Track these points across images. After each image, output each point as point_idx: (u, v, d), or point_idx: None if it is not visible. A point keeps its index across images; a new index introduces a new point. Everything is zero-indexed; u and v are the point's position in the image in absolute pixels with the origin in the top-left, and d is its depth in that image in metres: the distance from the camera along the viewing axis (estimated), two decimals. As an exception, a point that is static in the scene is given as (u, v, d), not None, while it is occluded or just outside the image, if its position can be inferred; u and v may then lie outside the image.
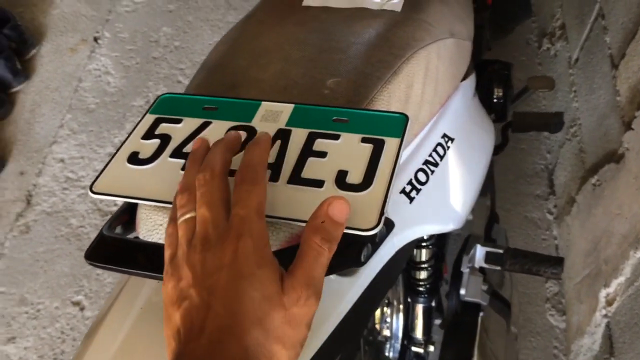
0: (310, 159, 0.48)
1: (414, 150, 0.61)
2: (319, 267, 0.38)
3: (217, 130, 0.52)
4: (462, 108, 0.72)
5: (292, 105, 0.53)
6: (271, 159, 0.48)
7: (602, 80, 1.22)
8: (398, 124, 0.50)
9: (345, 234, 0.42)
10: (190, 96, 0.56)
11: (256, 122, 0.52)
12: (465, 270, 0.88)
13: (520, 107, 1.10)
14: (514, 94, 1.09)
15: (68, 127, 1.68)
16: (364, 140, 0.49)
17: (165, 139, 0.51)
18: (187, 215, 0.41)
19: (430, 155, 0.63)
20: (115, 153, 0.52)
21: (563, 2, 1.57)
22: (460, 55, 0.70)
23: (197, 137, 0.49)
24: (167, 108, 0.55)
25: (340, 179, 0.46)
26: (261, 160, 0.43)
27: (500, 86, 1.04)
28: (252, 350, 0.35)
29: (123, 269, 0.45)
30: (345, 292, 0.50)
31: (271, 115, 0.52)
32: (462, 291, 0.87)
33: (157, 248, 0.46)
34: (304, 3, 0.68)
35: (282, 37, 0.64)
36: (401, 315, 0.97)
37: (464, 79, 0.74)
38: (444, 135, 0.65)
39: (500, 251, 0.86)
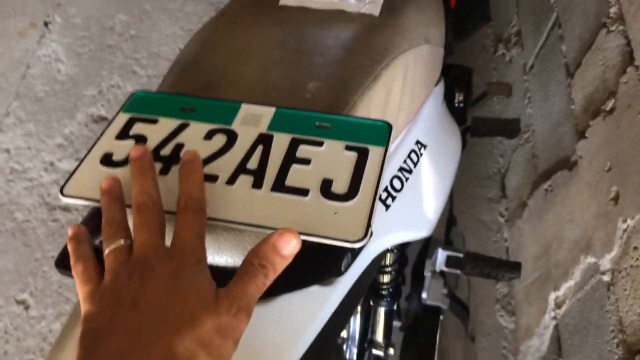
0: (294, 166, 0.47)
1: (390, 157, 0.61)
2: (253, 287, 0.39)
3: (195, 133, 0.50)
4: (433, 114, 0.72)
5: (274, 109, 0.52)
6: (253, 165, 0.47)
7: (557, 88, 1.26)
8: (381, 132, 0.50)
9: (325, 244, 0.42)
10: (166, 95, 0.55)
11: (236, 126, 0.51)
12: (426, 274, 0.89)
13: (476, 111, 1.13)
14: (473, 99, 1.11)
15: (14, 115, 1.60)
16: (348, 148, 0.48)
17: (141, 140, 0.50)
18: (116, 245, 0.41)
19: (405, 161, 0.63)
20: (87, 153, 0.49)
21: (520, 9, 1.61)
22: (434, 61, 0.71)
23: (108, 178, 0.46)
24: (142, 107, 0.53)
25: (325, 188, 0.45)
26: (200, 188, 0.44)
27: (462, 91, 1.05)
28: (177, 351, 0.35)
29: None
30: (325, 300, 0.49)
31: (252, 119, 0.51)
32: (424, 295, 0.88)
33: None
34: (281, 2, 0.67)
35: (258, 36, 0.62)
36: (359, 317, 0.98)
37: (436, 84, 0.75)
38: (417, 142, 0.66)
39: (461, 255, 0.88)
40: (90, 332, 0.37)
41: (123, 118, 0.52)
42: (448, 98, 1.03)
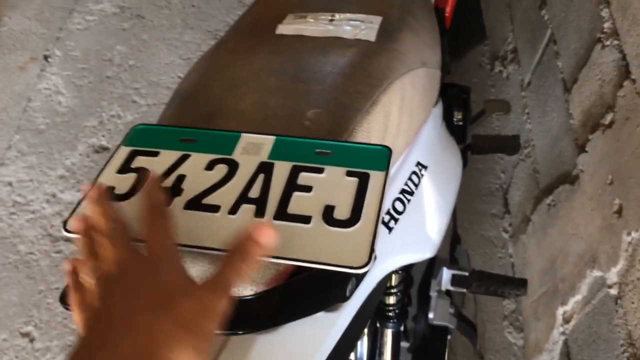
0: (296, 194, 0.47)
1: (391, 179, 0.62)
2: (231, 271, 0.40)
3: (196, 163, 0.51)
4: (433, 135, 0.73)
5: (274, 138, 0.52)
6: (255, 193, 0.48)
7: (555, 104, 1.26)
8: (381, 157, 0.50)
9: (329, 270, 0.42)
10: (167, 127, 0.55)
11: (237, 155, 0.51)
12: (432, 293, 0.88)
13: (476, 128, 1.13)
14: (472, 117, 1.11)
15: (16, 148, 1.61)
16: (349, 174, 0.49)
17: (142, 172, 0.50)
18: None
19: (406, 184, 0.63)
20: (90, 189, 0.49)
21: (515, 26, 1.62)
22: (431, 83, 0.71)
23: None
24: (143, 140, 0.53)
25: (328, 214, 0.45)
26: (160, 194, 0.44)
27: (460, 110, 1.06)
28: (156, 330, 0.36)
29: None
30: (332, 326, 0.49)
31: (252, 148, 0.51)
32: (431, 315, 0.87)
33: None
34: (278, 31, 0.68)
35: (257, 65, 0.63)
36: (366, 340, 0.97)
37: (434, 105, 0.75)
38: (418, 163, 0.66)
39: (466, 274, 0.88)
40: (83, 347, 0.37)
41: (124, 151, 0.52)
42: (447, 117, 1.03)
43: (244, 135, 0.53)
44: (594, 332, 1.00)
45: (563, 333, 1.12)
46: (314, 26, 0.68)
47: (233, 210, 0.47)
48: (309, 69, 0.61)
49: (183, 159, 0.51)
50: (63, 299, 0.45)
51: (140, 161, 0.51)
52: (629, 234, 0.89)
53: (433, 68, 0.72)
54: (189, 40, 1.86)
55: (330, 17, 0.69)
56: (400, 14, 0.70)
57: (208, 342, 0.38)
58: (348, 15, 0.69)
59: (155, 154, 0.52)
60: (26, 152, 1.61)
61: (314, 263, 0.43)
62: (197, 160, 0.51)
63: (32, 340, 1.32)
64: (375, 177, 0.48)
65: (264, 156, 0.51)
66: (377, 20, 0.68)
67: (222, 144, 0.52)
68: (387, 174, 0.49)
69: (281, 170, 0.49)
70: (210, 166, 0.50)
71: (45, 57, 1.80)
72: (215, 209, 0.47)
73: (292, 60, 0.63)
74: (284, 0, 0.75)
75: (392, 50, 0.64)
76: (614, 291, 0.93)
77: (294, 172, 0.49)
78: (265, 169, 0.49)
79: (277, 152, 0.51)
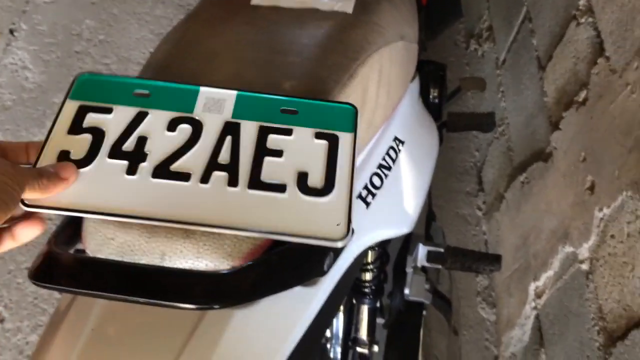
0: (267, 159, 0.46)
1: (368, 154, 0.61)
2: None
3: (156, 122, 0.48)
4: (410, 110, 0.72)
5: (235, 92, 0.50)
6: (224, 158, 0.46)
7: (530, 82, 1.27)
8: (348, 116, 0.49)
9: (307, 245, 0.42)
10: (116, 77, 0.51)
11: (198, 113, 0.48)
12: (408, 270, 0.89)
13: (451, 106, 1.13)
14: (448, 94, 1.11)
15: (-19, 125, 1.57)
16: (317, 135, 0.48)
17: (98, 133, 0.47)
18: None
19: (384, 158, 0.63)
20: (41, 152, 0.46)
21: (490, 4, 1.62)
22: (409, 58, 0.70)
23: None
24: (91, 93, 0.49)
25: (302, 182, 0.44)
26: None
27: (436, 87, 1.06)
28: None
29: (74, 289, 0.42)
30: (309, 301, 0.49)
31: (214, 104, 0.49)
32: (406, 291, 0.88)
33: (109, 265, 0.43)
34: (253, 2, 0.66)
35: (231, 37, 0.61)
36: (342, 316, 0.97)
37: (411, 81, 0.75)
38: (395, 138, 0.66)
39: (441, 250, 0.88)
40: None
41: (72, 107, 0.48)
42: (423, 94, 1.03)
43: (202, 89, 0.50)
44: (565, 307, 1.01)
45: (535, 308, 1.14)
46: (290, -3, 0.66)
47: (204, 179, 0.45)
48: (285, 40, 0.60)
49: (140, 118, 0.48)
50: (33, 275, 0.43)
51: (92, 120, 0.47)
52: (600, 209, 0.91)
53: (411, 42, 0.72)
54: (161, 14, 1.81)
55: (306, -12, 0.67)
56: (378, -14, 0.69)
57: None
58: (325, -14, 0.67)
59: (108, 111, 0.48)
60: (-8, 129, 1.56)
61: (292, 236, 0.42)
62: (157, 118, 0.48)
63: (2, 321, 1.30)
64: (344, 139, 0.47)
65: (227, 114, 0.48)
66: (354, -8, 0.67)
67: (180, 100, 0.49)
68: (355, 136, 0.48)
69: (248, 130, 0.48)
70: (172, 126, 0.48)
71: (11, 31, 1.74)
72: (185, 177, 0.45)
73: (268, 31, 0.62)
74: None
75: (370, 22, 0.63)
76: (585, 266, 0.95)
77: (262, 134, 0.47)
78: (232, 129, 0.48)
79: (241, 110, 0.49)
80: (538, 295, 1.14)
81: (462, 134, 1.66)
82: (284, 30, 0.62)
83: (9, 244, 0.44)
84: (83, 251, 0.47)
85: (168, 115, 0.48)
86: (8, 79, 1.65)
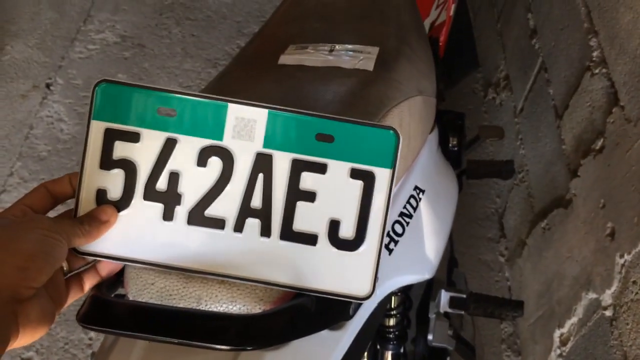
0: (300, 204, 0.47)
1: (391, 203, 0.64)
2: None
3: (186, 154, 0.47)
4: (429, 160, 0.75)
5: (266, 112, 0.48)
6: (257, 202, 0.47)
7: (547, 130, 1.29)
8: (388, 145, 0.47)
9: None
10: (137, 87, 0.48)
11: (228, 139, 0.47)
12: (431, 316, 0.90)
13: (471, 154, 1.16)
14: (467, 142, 1.14)
15: (18, 175, 1.63)
16: (353, 174, 0.47)
17: (129, 168, 0.47)
18: None
19: (405, 207, 0.65)
20: (78, 195, 0.48)
21: (507, 54, 1.66)
22: (427, 111, 0.74)
23: None
24: (114, 110, 0.47)
25: (333, 232, 0.46)
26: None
27: (455, 135, 1.09)
28: None
29: (119, 331, 0.45)
30: (336, 344, 0.51)
31: (244, 128, 0.47)
32: (430, 336, 0.89)
33: (150, 309, 0.46)
34: (280, 61, 0.71)
35: (260, 94, 0.65)
36: (366, 361, 0.98)
37: (430, 132, 0.78)
38: (416, 187, 0.69)
39: (464, 296, 0.89)
40: None
41: (98, 129, 0.47)
42: (443, 142, 1.06)
43: (231, 106, 0.47)
44: (591, 354, 1.01)
45: (560, 355, 1.14)
46: (314, 56, 0.70)
47: (238, 226, 0.47)
48: (310, 97, 0.64)
49: (169, 146, 0.47)
50: (82, 319, 0.46)
51: (121, 150, 0.47)
52: (621, 256, 0.91)
53: (429, 96, 0.75)
54: (189, 68, 1.89)
55: (330, 48, 0.72)
56: (397, 44, 0.73)
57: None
58: (347, 45, 0.71)
59: (136, 138, 0.47)
60: (28, 178, 1.62)
61: (320, 293, 0.44)
62: (186, 147, 0.47)
63: (32, 366, 1.32)
64: (381, 176, 0.46)
65: (258, 143, 0.47)
66: (374, 50, 0.71)
67: (209, 121, 0.47)
68: (393, 172, 0.47)
69: (280, 166, 0.47)
70: (202, 159, 0.47)
71: (47, 85, 1.83)
72: (220, 224, 0.47)
73: (294, 88, 0.66)
74: (285, 32, 0.78)
75: (390, 79, 0.67)
76: (608, 313, 0.95)
77: (295, 170, 0.47)
78: (263, 165, 0.47)
79: (273, 135, 0.47)
80: (563, 343, 1.13)
81: (483, 180, 1.68)
82: (308, 87, 0.66)
83: (76, 293, 0.48)
84: (125, 295, 0.50)
85: (197, 144, 0.47)
86: (44, 131, 1.72)
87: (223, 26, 2.02)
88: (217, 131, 0.47)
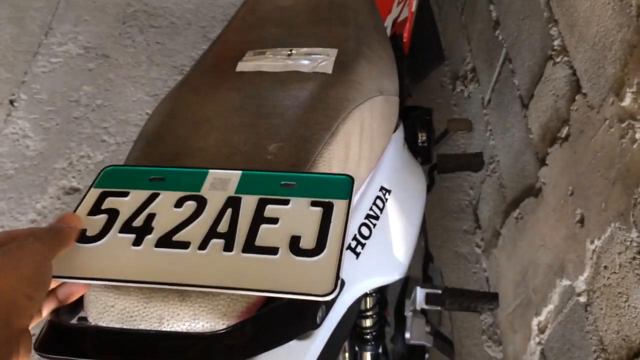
0: (263, 226, 0.48)
1: (355, 205, 0.63)
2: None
3: (165, 201, 0.52)
4: (395, 159, 0.75)
5: (240, 172, 0.54)
6: (223, 228, 0.49)
7: (515, 120, 1.30)
8: (344, 186, 0.52)
9: (299, 300, 0.44)
10: (136, 167, 0.56)
11: (205, 191, 0.52)
12: (408, 313, 0.90)
13: (443, 147, 1.17)
14: (436, 137, 1.15)
15: (-16, 196, 1.60)
16: (313, 204, 0.50)
17: (113, 213, 0.51)
18: None
19: (371, 209, 0.65)
20: None
21: (472, 47, 1.67)
22: (390, 110, 0.74)
23: None
24: (112, 181, 0.54)
25: (294, 245, 0.47)
26: None
27: (424, 131, 1.09)
28: None
29: (78, 358, 0.44)
30: (304, 354, 0.50)
31: (220, 183, 0.53)
32: (407, 335, 0.89)
33: (110, 332, 0.45)
34: (238, 69, 0.70)
35: (219, 103, 0.65)
36: (347, 363, 0.98)
37: (394, 131, 0.78)
38: (382, 188, 0.68)
39: (439, 291, 0.89)
40: None
41: (94, 194, 0.53)
42: (412, 139, 1.06)
43: (211, 171, 0.54)
44: (568, 340, 1.02)
45: (539, 343, 1.15)
46: (272, 62, 0.70)
47: (202, 245, 0.48)
48: (269, 103, 0.63)
49: (152, 198, 0.52)
50: (38, 347, 0.45)
51: (110, 202, 0.52)
52: (592, 242, 0.92)
53: (391, 95, 0.75)
54: (156, 76, 1.87)
55: (288, 52, 0.71)
56: (355, 45, 0.73)
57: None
58: (305, 49, 0.71)
59: (125, 194, 0.53)
60: (-5, 198, 1.59)
61: (281, 293, 0.44)
62: (167, 198, 0.52)
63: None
64: (339, 205, 0.50)
65: (231, 191, 0.52)
66: (333, 52, 0.70)
67: (191, 181, 0.53)
68: (350, 202, 0.50)
69: (248, 203, 0.51)
70: (179, 203, 0.51)
71: (11, 102, 1.80)
72: (185, 245, 0.48)
73: (253, 96, 0.65)
74: (242, 38, 0.77)
75: (349, 81, 0.67)
76: (583, 299, 0.96)
77: (261, 205, 0.50)
78: (233, 203, 0.51)
79: (244, 186, 0.52)
80: (541, 330, 1.14)
81: (455, 173, 1.69)
82: (267, 94, 0.65)
83: (36, 318, 0.47)
84: (85, 319, 0.49)
85: (177, 195, 0.52)
86: (10, 148, 1.69)
87: (188, 32, 2.01)
88: (196, 186, 0.53)
